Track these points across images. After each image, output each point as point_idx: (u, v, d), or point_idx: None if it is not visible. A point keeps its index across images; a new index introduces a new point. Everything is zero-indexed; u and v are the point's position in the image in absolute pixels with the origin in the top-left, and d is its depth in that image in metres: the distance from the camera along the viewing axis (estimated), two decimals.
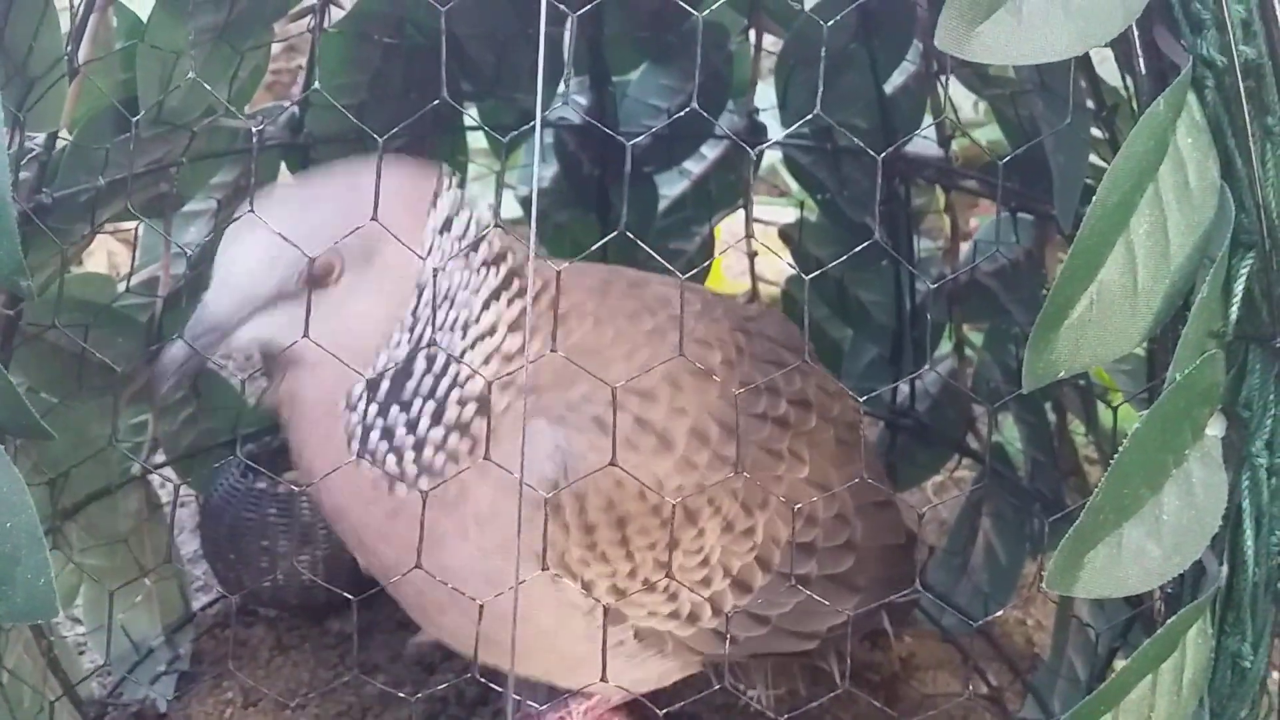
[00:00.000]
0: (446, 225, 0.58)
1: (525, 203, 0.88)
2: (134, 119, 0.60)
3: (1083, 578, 0.47)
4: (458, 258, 0.58)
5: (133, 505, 0.77)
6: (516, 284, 0.59)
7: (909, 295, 0.87)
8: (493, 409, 0.57)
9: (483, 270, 0.58)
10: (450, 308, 0.58)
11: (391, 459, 0.57)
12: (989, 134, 1.04)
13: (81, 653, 0.80)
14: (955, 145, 0.81)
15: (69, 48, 0.59)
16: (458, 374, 0.57)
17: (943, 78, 0.77)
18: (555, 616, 0.59)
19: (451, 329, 0.57)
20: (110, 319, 0.71)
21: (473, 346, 0.57)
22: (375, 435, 0.57)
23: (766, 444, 0.63)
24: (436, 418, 0.57)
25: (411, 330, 0.57)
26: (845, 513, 0.67)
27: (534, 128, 0.60)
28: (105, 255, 1.06)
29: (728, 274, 1.19)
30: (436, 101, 0.47)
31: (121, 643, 0.77)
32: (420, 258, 0.56)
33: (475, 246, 0.58)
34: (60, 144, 0.64)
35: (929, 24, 0.74)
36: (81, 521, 0.74)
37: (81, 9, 0.60)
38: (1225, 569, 0.51)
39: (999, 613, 0.83)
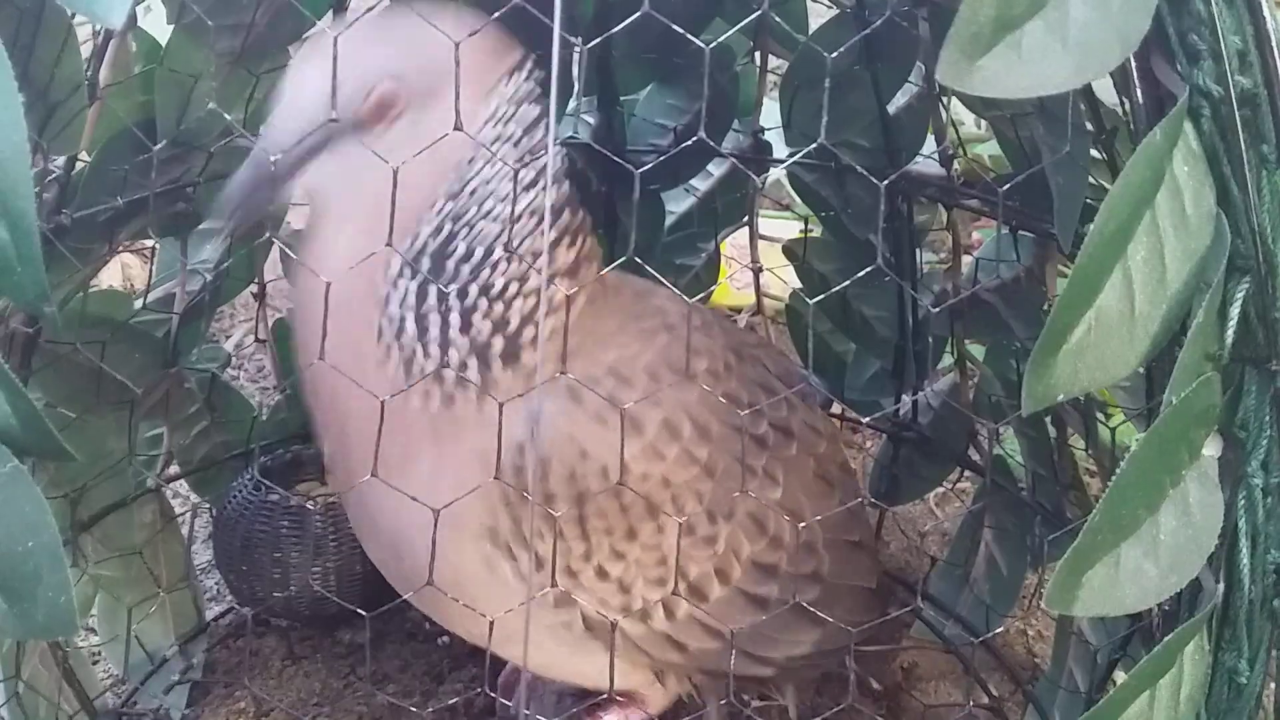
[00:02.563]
0: (512, 110, 0.55)
1: None
2: (154, 146, 0.61)
3: (1081, 597, 0.47)
4: (509, 154, 0.54)
5: (147, 517, 0.79)
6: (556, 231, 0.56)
7: (911, 310, 0.88)
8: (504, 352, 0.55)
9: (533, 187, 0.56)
10: (493, 201, 0.55)
11: (430, 350, 0.55)
12: (990, 149, 1.06)
13: (95, 662, 0.82)
14: (957, 163, 0.82)
15: (89, 73, 0.61)
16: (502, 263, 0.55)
17: (944, 99, 0.78)
18: (496, 589, 0.58)
19: (493, 220, 0.54)
20: (127, 335, 0.72)
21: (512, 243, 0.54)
22: (410, 321, 0.55)
23: (740, 457, 0.62)
24: (472, 312, 0.54)
25: (454, 202, 0.54)
26: (814, 543, 0.66)
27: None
28: (119, 268, 1.07)
29: (732, 285, 1.20)
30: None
31: (136, 653, 0.78)
32: (469, 135, 0.52)
33: (530, 157, 0.55)
34: (79, 165, 0.65)
35: (931, 46, 0.75)
36: (97, 534, 0.75)
37: (101, 34, 0.61)
38: (1222, 586, 0.51)
39: (1000, 628, 0.84)
